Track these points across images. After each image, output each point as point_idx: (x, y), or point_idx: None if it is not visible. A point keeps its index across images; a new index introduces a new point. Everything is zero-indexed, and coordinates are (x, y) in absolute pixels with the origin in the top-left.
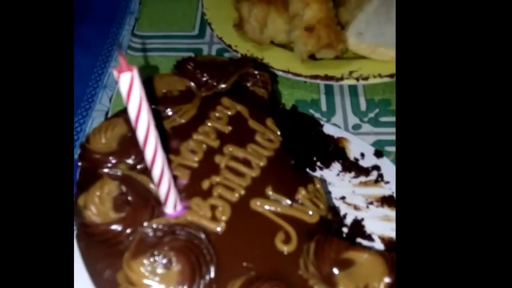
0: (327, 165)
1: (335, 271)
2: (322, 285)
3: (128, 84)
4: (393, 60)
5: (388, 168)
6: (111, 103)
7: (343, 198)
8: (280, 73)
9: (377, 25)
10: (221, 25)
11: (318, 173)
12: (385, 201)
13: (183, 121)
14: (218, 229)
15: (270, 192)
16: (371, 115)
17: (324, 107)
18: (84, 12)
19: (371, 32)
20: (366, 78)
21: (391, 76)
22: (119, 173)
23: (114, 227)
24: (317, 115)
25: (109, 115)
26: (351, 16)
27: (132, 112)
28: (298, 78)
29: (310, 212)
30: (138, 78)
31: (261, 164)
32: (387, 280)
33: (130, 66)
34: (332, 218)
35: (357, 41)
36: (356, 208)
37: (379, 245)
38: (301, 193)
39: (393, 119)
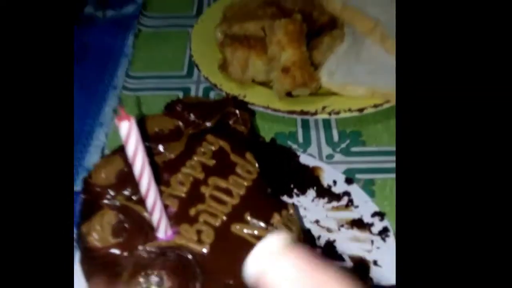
0: (303, 192)
1: None
2: None
3: (126, 130)
4: (361, 96)
5: (357, 194)
6: (107, 139)
7: (317, 221)
8: (260, 109)
9: (347, 66)
10: (207, 66)
11: (294, 199)
12: (354, 223)
13: (172, 156)
14: (204, 250)
15: (248, 218)
16: (343, 145)
17: (300, 139)
18: (83, 54)
19: (342, 72)
20: (337, 113)
21: (359, 110)
22: (117, 203)
23: (113, 250)
24: (294, 146)
25: (106, 149)
26: (323, 57)
27: (129, 153)
28: (276, 113)
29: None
30: (135, 125)
31: (241, 193)
32: None
33: (129, 116)
34: (303, 240)
35: (329, 79)
36: (328, 230)
37: (349, 264)
38: (276, 218)
39: (363, 149)
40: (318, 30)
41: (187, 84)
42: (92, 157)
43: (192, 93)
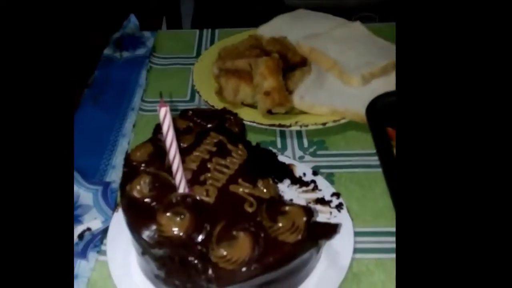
0: (281, 180)
1: (277, 216)
2: (270, 222)
3: (164, 113)
4: (324, 114)
5: (321, 182)
6: (129, 145)
7: (291, 200)
8: (248, 123)
9: (313, 92)
10: (206, 92)
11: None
12: (318, 201)
13: (186, 145)
14: (210, 201)
15: (241, 181)
16: (311, 150)
17: (279, 145)
18: (106, 85)
19: (309, 96)
20: (306, 126)
21: (323, 124)
22: (150, 171)
23: (148, 200)
24: (274, 150)
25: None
26: (295, 86)
27: (164, 129)
28: (260, 126)
29: (265, 191)
30: (169, 110)
31: (235, 167)
32: (304, 219)
33: (166, 104)
34: (278, 199)
35: (300, 101)
36: None
37: None
38: (260, 183)
39: (326, 152)
40: (292, 66)
41: (190, 107)
42: (117, 159)
43: None
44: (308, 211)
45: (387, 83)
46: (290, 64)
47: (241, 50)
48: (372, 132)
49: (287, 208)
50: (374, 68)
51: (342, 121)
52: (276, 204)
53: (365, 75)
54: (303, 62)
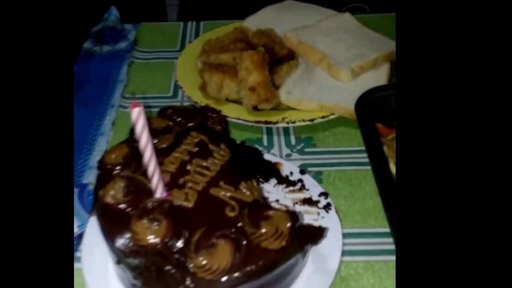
0: (266, 180)
1: (260, 221)
2: (253, 228)
3: (137, 114)
4: (312, 110)
5: (309, 181)
6: (107, 144)
7: (277, 200)
8: (233, 120)
9: (301, 86)
10: (190, 88)
11: (260, 186)
12: (305, 201)
13: (164, 146)
14: (189, 205)
15: (222, 184)
16: (299, 147)
17: (265, 143)
18: (85, 80)
19: (297, 91)
20: (294, 122)
21: (311, 120)
22: (125, 174)
23: (122, 205)
24: (260, 148)
25: None
26: (282, 80)
27: (138, 131)
28: (246, 123)
29: (248, 193)
30: (143, 111)
31: (217, 169)
32: (288, 224)
33: (139, 104)
34: (263, 202)
35: (287, 97)
36: (286, 207)
37: None
38: (243, 185)
39: (314, 149)
40: (278, 60)
41: (172, 103)
42: (95, 159)
43: None
44: (293, 216)
45: (377, 77)
46: (277, 57)
47: (225, 44)
48: (361, 129)
49: (270, 212)
50: (363, 61)
51: (331, 117)
52: (259, 208)
53: (355, 69)
54: (291, 56)
